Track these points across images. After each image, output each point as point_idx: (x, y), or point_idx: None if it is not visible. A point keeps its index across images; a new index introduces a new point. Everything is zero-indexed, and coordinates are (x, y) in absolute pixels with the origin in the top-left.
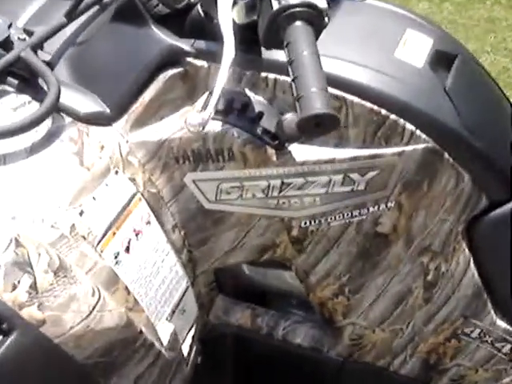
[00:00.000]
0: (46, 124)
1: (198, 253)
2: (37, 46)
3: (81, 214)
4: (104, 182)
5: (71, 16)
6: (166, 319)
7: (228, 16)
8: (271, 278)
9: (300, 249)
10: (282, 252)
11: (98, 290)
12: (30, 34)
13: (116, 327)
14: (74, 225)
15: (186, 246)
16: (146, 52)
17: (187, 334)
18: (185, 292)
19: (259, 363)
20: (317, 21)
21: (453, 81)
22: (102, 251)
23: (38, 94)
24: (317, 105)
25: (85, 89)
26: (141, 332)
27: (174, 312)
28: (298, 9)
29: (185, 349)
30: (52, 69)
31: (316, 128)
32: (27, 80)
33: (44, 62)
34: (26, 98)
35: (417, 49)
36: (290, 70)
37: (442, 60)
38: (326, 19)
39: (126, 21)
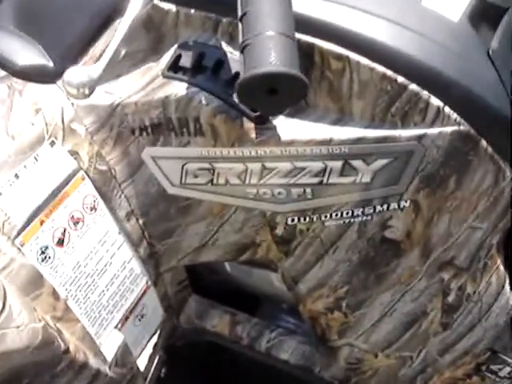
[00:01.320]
0: None
1: (162, 246)
2: None
3: None
4: (33, 155)
5: None
6: (115, 328)
7: None
8: (257, 279)
9: (287, 251)
10: (265, 253)
11: (4, 299)
12: None
13: (25, 348)
14: None
15: (145, 238)
16: None
17: (147, 342)
18: (143, 293)
19: (237, 379)
20: None
21: (500, 42)
22: (22, 245)
23: None
24: (270, 58)
25: (28, 36)
26: (67, 351)
27: (127, 318)
28: None
29: (142, 361)
30: None
31: (268, 97)
32: None
33: None
34: None
35: None
36: (238, 2)
37: (486, 13)
38: None
39: None
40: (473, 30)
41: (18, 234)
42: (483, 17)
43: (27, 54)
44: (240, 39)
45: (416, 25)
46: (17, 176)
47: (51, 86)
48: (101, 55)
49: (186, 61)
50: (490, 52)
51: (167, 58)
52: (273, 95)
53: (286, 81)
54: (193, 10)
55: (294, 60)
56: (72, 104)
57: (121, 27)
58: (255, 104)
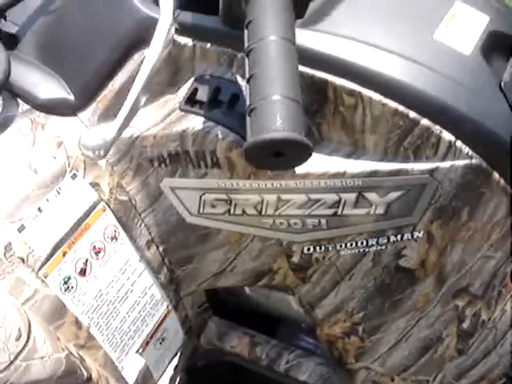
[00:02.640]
0: None
1: (182, 272)
2: None
3: (20, 229)
4: (55, 188)
5: None
6: (137, 352)
7: None
8: (275, 301)
9: (303, 277)
10: (282, 279)
11: (28, 331)
12: None
13: (49, 378)
14: (10, 244)
15: (165, 265)
16: (119, 25)
17: (168, 365)
18: (164, 317)
19: None
20: None
21: None
22: (45, 276)
23: None
24: (275, 123)
25: (49, 69)
26: (89, 378)
27: (148, 342)
28: None
29: (163, 383)
30: (17, 43)
31: (274, 159)
32: None
33: (8, 34)
34: None
35: (466, 28)
36: (246, 64)
37: (498, 44)
38: None
39: None
40: (485, 63)
41: (42, 265)
42: (495, 48)
43: (48, 88)
44: (247, 102)
45: (428, 60)
46: (40, 209)
47: (72, 118)
48: (121, 89)
49: (203, 95)
50: (503, 85)
51: (184, 91)
52: (278, 157)
53: (291, 145)
54: (209, 45)
55: (299, 124)
56: None
57: (138, 81)
58: (262, 165)
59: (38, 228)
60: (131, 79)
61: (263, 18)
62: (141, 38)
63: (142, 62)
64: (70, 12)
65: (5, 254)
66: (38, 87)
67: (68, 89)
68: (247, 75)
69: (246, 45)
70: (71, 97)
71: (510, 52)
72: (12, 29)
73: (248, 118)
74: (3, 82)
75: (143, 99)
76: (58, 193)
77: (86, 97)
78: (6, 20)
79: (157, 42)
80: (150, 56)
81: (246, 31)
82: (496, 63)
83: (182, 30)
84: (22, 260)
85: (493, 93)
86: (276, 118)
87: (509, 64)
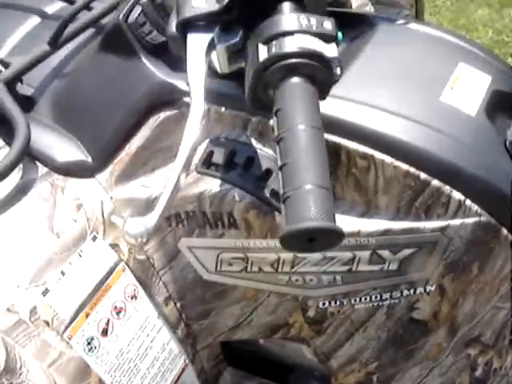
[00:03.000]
0: (14, 176)
1: (198, 326)
2: (14, 80)
3: (44, 293)
4: (77, 251)
5: (55, 44)
6: None
7: (198, 64)
8: (289, 351)
9: (318, 330)
10: (297, 332)
11: None
12: (6, 65)
13: None
14: (35, 308)
15: (182, 320)
16: (135, 90)
17: None
18: (182, 371)
19: None
20: (323, 76)
21: None
22: (70, 338)
23: (11, 137)
24: (309, 213)
25: (66, 131)
26: None
27: None
28: (294, 60)
29: None
30: (33, 105)
31: (308, 243)
32: (3, 120)
33: (24, 96)
34: None
35: (470, 90)
36: (277, 151)
37: (501, 103)
38: (338, 71)
39: (113, 51)
40: (490, 123)
41: (66, 328)
42: (498, 107)
43: (66, 150)
44: (281, 190)
45: (437, 122)
46: (63, 273)
47: (90, 180)
48: (137, 152)
49: (218, 157)
50: (507, 143)
51: (199, 152)
52: (312, 242)
53: (325, 232)
54: (223, 109)
55: (331, 212)
56: (111, 198)
57: (177, 165)
58: (297, 249)
59: (61, 291)
60: (147, 142)
61: (291, 106)
62: (156, 102)
63: (158, 125)
64: (85, 75)
65: (30, 318)
66: (56, 150)
67: (85, 151)
68: (279, 163)
69: (275, 132)
70: (89, 159)
71: None
72: (28, 91)
73: (282, 206)
74: (25, 149)
75: (182, 181)
76: (80, 255)
77: (103, 159)
78: (22, 83)
79: (192, 124)
80: (187, 138)
81: (274, 118)
82: (500, 122)
83: None
84: (47, 323)
85: (498, 152)
86: (310, 208)
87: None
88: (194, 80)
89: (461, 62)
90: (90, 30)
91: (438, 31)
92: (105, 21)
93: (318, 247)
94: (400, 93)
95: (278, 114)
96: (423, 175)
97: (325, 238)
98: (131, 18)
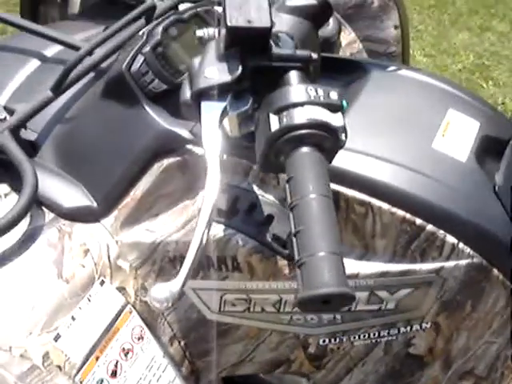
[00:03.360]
0: (22, 222)
1: (202, 363)
2: (19, 127)
3: (56, 338)
4: (86, 296)
5: (58, 90)
6: None
7: (213, 132)
8: (288, 383)
9: (319, 365)
10: (298, 367)
11: None
12: (11, 112)
13: None
14: (47, 353)
15: (187, 358)
16: (139, 138)
17: None
18: None
19: None
20: (330, 144)
21: (504, 176)
22: (81, 382)
23: (17, 183)
24: (324, 279)
25: (71, 177)
26: None
27: None
28: (304, 131)
29: None
30: (37, 150)
31: (322, 305)
32: (8, 165)
33: (28, 141)
34: (4, 188)
35: (460, 136)
36: (290, 218)
37: (490, 148)
38: (343, 137)
39: (116, 99)
40: (479, 168)
41: (77, 372)
42: (487, 152)
43: (72, 196)
44: (296, 256)
45: (430, 170)
46: (73, 318)
47: (96, 224)
48: (142, 197)
49: (221, 203)
50: (496, 188)
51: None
52: (327, 304)
53: (338, 297)
54: (225, 156)
55: (343, 276)
56: (116, 242)
57: (195, 240)
58: (311, 310)
59: (72, 336)
60: (152, 188)
61: (302, 176)
62: (160, 150)
63: (162, 172)
64: (88, 121)
65: (43, 363)
66: (62, 196)
67: (90, 196)
68: (293, 230)
69: (288, 199)
70: (94, 204)
71: (501, 154)
72: (32, 136)
73: (298, 271)
74: (34, 197)
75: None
76: (89, 300)
77: (108, 204)
78: (26, 129)
79: (210, 193)
80: (206, 205)
81: (287, 185)
82: (489, 166)
83: (199, 140)
84: (59, 368)
85: (488, 196)
86: (324, 275)
87: (500, 168)
88: (210, 147)
89: (450, 109)
90: (91, 74)
91: (428, 77)
92: (105, 64)
93: (332, 308)
94: (395, 141)
95: (291, 183)
96: (419, 221)
97: (338, 301)
98: (134, 68)
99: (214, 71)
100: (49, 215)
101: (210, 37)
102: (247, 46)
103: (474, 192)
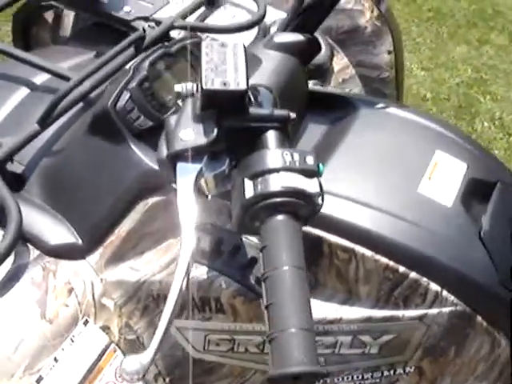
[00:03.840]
0: (7, 260)
1: None
2: (5, 160)
3: (38, 381)
4: (69, 336)
5: (45, 122)
6: None
7: (188, 194)
8: None
9: None
10: None
11: None
12: None
13: None
14: None
15: None
16: (124, 176)
17: None
18: None
19: None
20: (305, 211)
21: (490, 222)
22: None
23: (2, 219)
24: (294, 357)
25: (56, 212)
26: None
27: None
28: (278, 199)
29: None
30: (24, 183)
31: (293, 381)
32: None
33: (15, 174)
34: None
35: (447, 179)
36: (263, 289)
37: (477, 191)
38: (320, 201)
39: (102, 136)
40: (465, 214)
41: None
42: (474, 195)
43: (57, 232)
44: (267, 330)
45: (414, 216)
46: (56, 359)
47: (81, 261)
48: (127, 236)
49: (205, 244)
50: (482, 234)
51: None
52: (297, 380)
53: (308, 375)
54: (210, 197)
55: (313, 353)
56: (101, 280)
57: (167, 310)
58: None
59: (55, 378)
60: (137, 226)
61: (276, 246)
62: (145, 188)
63: (147, 210)
64: (75, 156)
65: None
66: (47, 232)
67: (76, 233)
68: (265, 301)
69: (261, 269)
70: (79, 241)
71: (488, 197)
72: (18, 169)
73: (268, 346)
74: (18, 235)
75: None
76: (72, 341)
77: (93, 241)
78: (12, 162)
79: (184, 257)
80: (179, 272)
81: (261, 254)
82: (475, 209)
83: None
84: None
85: (473, 243)
86: (294, 353)
87: (487, 212)
88: (184, 211)
89: (438, 150)
90: (79, 105)
91: (416, 116)
92: (93, 94)
93: (304, 382)
94: (380, 185)
95: (264, 252)
96: (402, 268)
97: (309, 378)
98: (119, 104)
99: (189, 133)
100: (34, 252)
101: (189, 92)
102: (223, 107)
103: (459, 238)
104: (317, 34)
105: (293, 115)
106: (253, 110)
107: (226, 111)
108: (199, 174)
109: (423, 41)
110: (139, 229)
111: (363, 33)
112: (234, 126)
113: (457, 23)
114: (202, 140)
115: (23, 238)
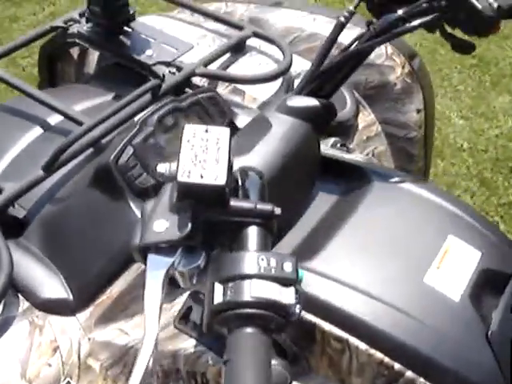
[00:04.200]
0: None
1: None
2: (6, 205)
3: None
4: None
5: (50, 169)
6: None
7: (155, 288)
8: None
9: None
10: None
11: None
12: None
13: None
14: None
15: None
16: (121, 235)
17: None
18: None
19: None
20: (278, 324)
21: (500, 320)
22: None
23: None
24: None
25: (52, 263)
26: None
27: None
28: (248, 310)
29: None
30: (24, 228)
31: None
32: None
33: (16, 219)
34: None
35: (457, 268)
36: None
37: (489, 283)
38: (297, 309)
39: (102, 190)
40: (473, 309)
41: None
42: (486, 287)
43: (50, 286)
44: None
45: (416, 310)
46: None
47: (70, 318)
48: (118, 297)
49: (196, 316)
50: (489, 334)
51: (179, 304)
52: None
53: None
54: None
55: None
56: (89, 339)
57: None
58: None
59: None
60: (129, 288)
61: (241, 361)
62: None
63: (140, 273)
64: (76, 207)
65: None
66: (40, 285)
67: (68, 289)
68: None
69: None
70: (70, 297)
71: (501, 289)
72: (20, 214)
73: None
74: (7, 288)
75: None
76: None
77: (84, 299)
78: (14, 207)
79: (146, 348)
80: (141, 361)
81: (223, 367)
82: (485, 305)
83: None
84: None
85: (480, 343)
86: None
87: (498, 308)
88: (149, 305)
89: (450, 235)
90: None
91: (432, 194)
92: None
93: None
94: (383, 273)
95: (228, 366)
96: (397, 365)
97: None
98: (122, 160)
99: (163, 224)
100: (23, 304)
101: (172, 174)
102: (200, 200)
103: (463, 338)
104: (343, 89)
105: (277, 210)
106: (234, 202)
107: (204, 204)
108: (171, 268)
109: (464, 88)
110: (131, 291)
111: (392, 89)
112: (211, 219)
113: (500, 72)
114: (175, 234)
115: (15, 288)
